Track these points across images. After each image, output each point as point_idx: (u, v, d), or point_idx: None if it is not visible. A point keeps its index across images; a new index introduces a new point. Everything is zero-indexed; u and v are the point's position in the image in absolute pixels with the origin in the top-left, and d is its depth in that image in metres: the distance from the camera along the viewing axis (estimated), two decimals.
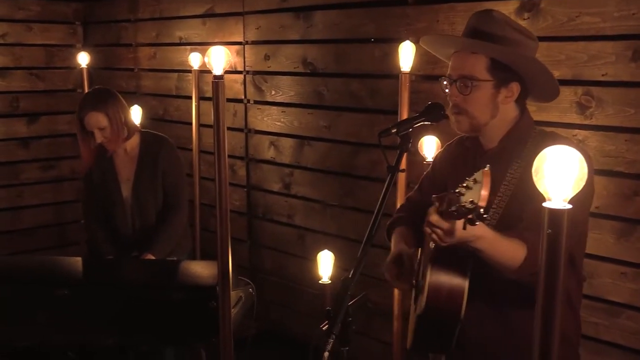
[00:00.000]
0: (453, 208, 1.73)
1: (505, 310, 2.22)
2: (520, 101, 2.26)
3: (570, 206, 1.30)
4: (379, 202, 1.98)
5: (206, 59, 2.76)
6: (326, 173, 4.45)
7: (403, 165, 2.16)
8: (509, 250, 2.00)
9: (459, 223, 1.80)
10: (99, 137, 3.61)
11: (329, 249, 3.39)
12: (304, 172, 4.59)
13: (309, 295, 4.55)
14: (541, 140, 2.19)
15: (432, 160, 2.67)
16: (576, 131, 3.15)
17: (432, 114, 2.17)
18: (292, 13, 4.45)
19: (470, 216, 1.70)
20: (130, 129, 3.72)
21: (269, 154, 4.78)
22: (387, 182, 2.01)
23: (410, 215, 2.53)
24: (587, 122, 3.12)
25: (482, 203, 1.67)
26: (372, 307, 2.32)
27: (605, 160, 3.05)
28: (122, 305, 3.07)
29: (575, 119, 3.16)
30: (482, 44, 2.14)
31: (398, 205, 2.94)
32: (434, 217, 1.85)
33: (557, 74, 3.13)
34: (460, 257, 2.06)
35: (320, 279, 3.30)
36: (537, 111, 3.14)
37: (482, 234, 1.92)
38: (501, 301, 2.21)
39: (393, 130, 2.09)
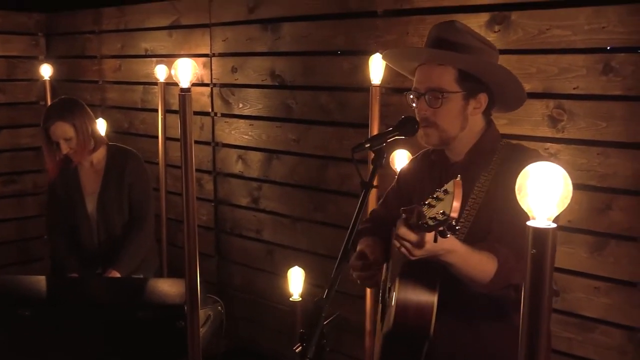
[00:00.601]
0: (423, 220, 1.68)
1: (475, 322, 2.18)
2: (487, 112, 2.24)
3: (555, 225, 1.26)
4: (354, 218, 1.93)
5: (172, 72, 2.70)
6: (295, 187, 4.40)
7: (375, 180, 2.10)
8: (479, 264, 1.95)
9: (429, 235, 1.76)
10: (64, 148, 3.53)
11: (298, 265, 3.34)
12: (272, 186, 4.54)
13: (278, 311, 4.49)
14: (509, 152, 2.18)
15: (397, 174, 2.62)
16: (548, 145, 3.14)
17: (406, 127, 2.12)
18: (260, 25, 4.41)
19: (441, 228, 1.66)
20: (97, 141, 3.65)
21: (237, 167, 4.72)
22: (361, 198, 1.95)
23: (375, 227, 2.49)
24: (559, 135, 3.11)
25: (454, 214, 1.63)
26: (345, 325, 2.27)
27: (578, 174, 3.03)
28: (87, 325, 2.98)
29: (547, 132, 3.14)
30: (451, 54, 2.11)
31: None
32: (403, 230, 1.80)
33: (528, 87, 3.12)
34: (428, 271, 2.01)
35: (290, 296, 3.23)
36: (509, 124, 3.13)
37: (452, 248, 1.88)
38: (471, 312, 2.17)
39: (367, 145, 2.03)
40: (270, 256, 4.60)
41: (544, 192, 1.25)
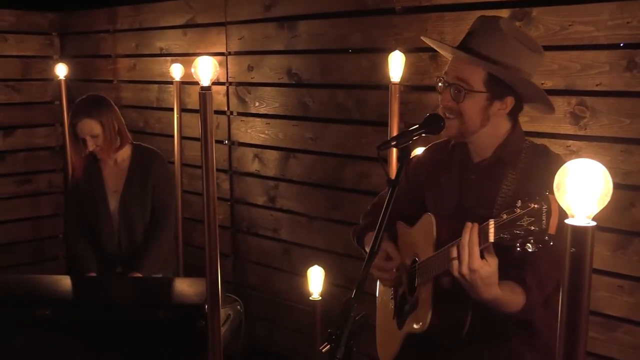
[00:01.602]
0: (513, 228, 1.73)
1: (475, 345, 2.14)
2: (513, 114, 2.20)
3: (594, 223, 1.23)
4: (381, 217, 1.90)
5: (192, 70, 2.67)
6: (312, 186, 4.38)
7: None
8: (509, 303, 1.98)
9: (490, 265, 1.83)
10: (91, 145, 3.53)
11: (315, 264, 3.33)
12: (289, 185, 4.51)
13: (296, 310, 4.48)
14: (534, 155, 2.16)
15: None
16: (570, 142, 3.10)
17: (432, 125, 2.10)
18: (276, 23, 4.39)
19: (531, 239, 1.69)
20: (123, 139, 3.65)
21: (253, 166, 4.70)
22: (388, 196, 1.93)
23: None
24: (581, 132, 3.08)
25: (552, 231, 1.65)
26: (372, 325, 2.27)
27: None
28: (107, 325, 2.96)
29: (569, 129, 3.11)
30: (478, 61, 2.08)
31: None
32: (473, 241, 1.85)
33: (550, 84, 3.09)
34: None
35: (310, 295, 3.22)
36: (530, 122, 3.09)
37: (494, 297, 1.92)
38: (471, 334, 2.14)
39: (393, 143, 2.01)
40: (287, 255, 4.58)
41: (584, 189, 1.23)
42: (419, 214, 2.34)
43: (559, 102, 3.08)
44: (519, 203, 1.74)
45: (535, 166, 2.10)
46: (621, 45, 2.93)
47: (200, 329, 2.81)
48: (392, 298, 2.42)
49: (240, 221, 4.88)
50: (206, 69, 2.61)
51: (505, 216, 1.76)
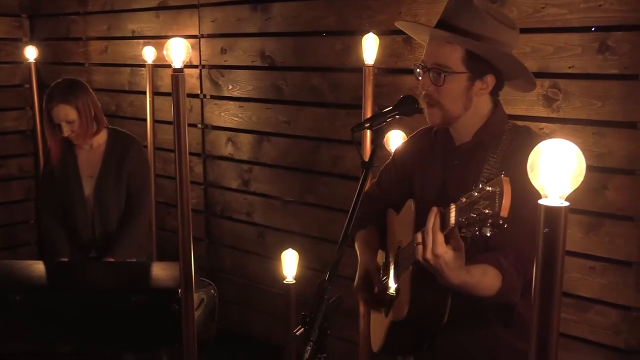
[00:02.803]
0: (466, 215, 1.67)
1: (456, 330, 2.14)
2: (494, 94, 2.18)
3: (567, 203, 1.23)
4: (355, 200, 1.89)
5: (165, 52, 2.64)
6: (286, 169, 4.36)
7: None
8: (479, 286, 1.94)
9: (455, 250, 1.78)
10: (66, 131, 3.47)
11: (290, 247, 3.30)
12: (263, 169, 4.50)
13: (270, 294, 4.47)
14: (517, 136, 2.12)
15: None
16: (543, 124, 3.11)
17: (406, 107, 2.08)
18: (250, 5, 4.35)
19: (487, 225, 1.63)
20: (99, 124, 3.60)
21: (227, 150, 4.68)
22: (361, 179, 1.92)
23: (370, 213, 2.45)
24: (554, 115, 3.09)
25: (504, 213, 1.59)
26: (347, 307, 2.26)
27: None
28: (81, 310, 2.94)
29: (542, 112, 3.12)
30: (456, 37, 2.05)
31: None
32: (433, 224, 1.80)
33: None
34: None
35: (284, 279, 3.20)
36: (503, 104, 3.08)
37: (463, 282, 1.88)
38: (450, 320, 2.12)
39: (366, 125, 1.99)
40: (262, 239, 4.57)
41: (557, 169, 1.23)
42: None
43: None
44: (477, 186, 1.70)
45: (517, 148, 2.06)
46: (592, 29, 2.94)
47: (174, 313, 2.79)
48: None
49: (214, 205, 4.85)
50: (178, 51, 2.59)
51: (464, 199, 1.71)
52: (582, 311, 3.12)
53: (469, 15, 2.06)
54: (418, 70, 2.15)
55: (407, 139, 2.53)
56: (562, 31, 3.02)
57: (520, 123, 2.25)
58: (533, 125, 3.07)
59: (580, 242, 3.07)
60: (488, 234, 1.65)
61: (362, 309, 3.51)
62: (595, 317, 3.09)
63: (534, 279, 1.28)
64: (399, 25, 2.33)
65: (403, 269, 2.13)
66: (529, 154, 2.07)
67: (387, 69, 3.68)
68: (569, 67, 3.01)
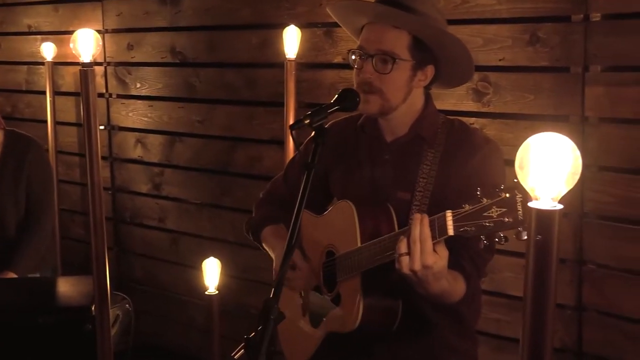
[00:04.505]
0: (479, 219, 1.59)
1: (425, 320, 2.04)
2: (428, 87, 2.09)
3: (561, 206, 1.09)
4: (298, 205, 1.72)
5: (71, 45, 2.42)
6: (200, 171, 4.20)
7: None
8: (452, 293, 1.87)
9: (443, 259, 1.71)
10: None
11: (206, 254, 3.23)
12: (175, 171, 4.32)
13: (187, 304, 4.29)
14: (451, 129, 2.05)
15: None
16: (473, 119, 3.05)
17: (347, 101, 1.92)
18: None
19: (502, 234, 1.58)
20: None
21: (136, 152, 4.47)
22: (304, 181, 1.75)
23: (277, 211, 2.30)
24: (484, 109, 3.03)
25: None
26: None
27: (505, 149, 2.89)
28: None
29: (472, 106, 3.06)
30: (414, 17, 1.93)
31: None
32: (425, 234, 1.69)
33: None
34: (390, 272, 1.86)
35: (205, 289, 3.04)
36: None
37: (441, 292, 1.80)
38: (421, 314, 2.04)
39: (306, 122, 1.82)
40: (175, 246, 4.39)
41: (551, 167, 1.08)
42: (324, 201, 2.20)
43: None
44: (479, 191, 1.62)
45: (456, 144, 2.00)
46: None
47: (87, 333, 2.58)
48: (299, 293, 2.24)
49: (123, 211, 4.64)
50: (87, 44, 2.38)
51: (467, 207, 1.62)
52: (516, 311, 3.05)
53: None
54: (354, 57, 2.01)
55: None
56: (491, 22, 2.97)
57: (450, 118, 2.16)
58: (463, 120, 2.99)
59: (512, 241, 2.98)
60: (503, 243, 1.62)
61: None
62: None
63: (525, 290, 1.20)
64: (331, 9, 2.17)
65: (346, 276, 1.99)
66: (470, 150, 1.98)
67: (307, 63, 3.56)
68: (499, 60, 2.96)
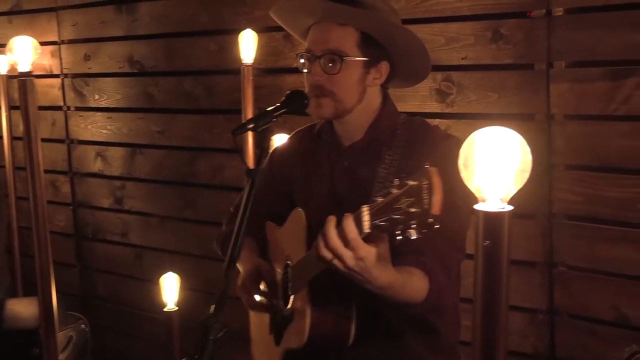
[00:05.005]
0: (388, 214, 1.43)
1: (364, 341, 1.93)
2: (384, 85, 2.02)
3: (511, 207, 0.99)
4: (241, 214, 1.61)
5: (8, 54, 2.30)
6: (162, 183, 4.10)
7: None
8: (411, 291, 1.76)
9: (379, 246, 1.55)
10: None
11: (170, 268, 3.16)
12: (137, 184, 4.21)
13: (151, 321, 4.17)
14: (411, 128, 1.98)
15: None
16: (437, 120, 2.96)
17: (295, 103, 1.84)
18: (113, 6, 4.07)
19: (413, 225, 1.39)
20: None
21: (96, 166, 4.37)
22: (248, 189, 1.64)
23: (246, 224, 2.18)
24: (448, 110, 2.95)
25: (436, 210, 1.36)
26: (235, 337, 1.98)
27: None
28: None
29: (435, 107, 2.98)
30: (356, 11, 1.86)
31: None
32: (352, 233, 1.52)
33: None
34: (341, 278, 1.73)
35: (164, 306, 2.93)
36: (394, 100, 2.93)
37: (389, 283, 1.65)
38: (389, 323, 1.96)
39: (250, 126, 1.73)
40: (139, 261, 4.28)
41: (497, 164, 0.98)
42: (289, 213, 2.10)
43: None
44: (395, 182, 1.47)
45: (415, 143, 1.92)
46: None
47: (35, 357, 2.44)
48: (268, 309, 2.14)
49: (85, 227, 4.53)
50: (24, 51, 2.26)
51: (380, 199, 1.48)
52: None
53: None
54: (302, 60, 1.95)
55: (285, 142, 2.29)
56: (453, 20, 2.89)
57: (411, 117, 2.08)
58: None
59: None
60: (414, 237, 1.41)
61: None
62: None
63: (474, 296, 1.08)
64: (274, 13, 2.10)
65: (296, 289, 1.90)
66: (431, 148, 1.88)
67: (266, 68, 3.48)
68: (462, 59, 2.88)
